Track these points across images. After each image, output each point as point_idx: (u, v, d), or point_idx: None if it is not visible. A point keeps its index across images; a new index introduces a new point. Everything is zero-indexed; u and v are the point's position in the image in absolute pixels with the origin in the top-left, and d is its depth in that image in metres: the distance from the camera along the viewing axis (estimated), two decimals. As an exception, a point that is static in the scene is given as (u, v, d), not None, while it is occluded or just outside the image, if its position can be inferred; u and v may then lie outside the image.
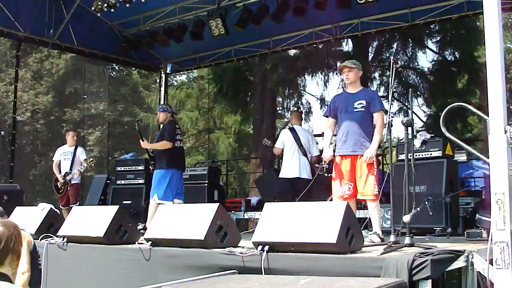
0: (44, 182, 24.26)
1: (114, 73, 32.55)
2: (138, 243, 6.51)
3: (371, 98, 7.06)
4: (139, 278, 5.88)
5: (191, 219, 6.05)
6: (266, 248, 5.13)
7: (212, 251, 5.63)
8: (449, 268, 4.73)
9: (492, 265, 4.13)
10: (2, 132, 14.28)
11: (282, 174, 10.21)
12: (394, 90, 18.38)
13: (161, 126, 10.15)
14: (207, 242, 5.71)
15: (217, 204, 6.04)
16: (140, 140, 9.83)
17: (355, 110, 7.04)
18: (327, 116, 7.49)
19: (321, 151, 10.98)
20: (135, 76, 31.57)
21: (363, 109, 7.00)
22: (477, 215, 7.97)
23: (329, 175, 10.76)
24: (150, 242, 6.19)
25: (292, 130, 10.24)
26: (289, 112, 18.77)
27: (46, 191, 21.17)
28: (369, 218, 8.06)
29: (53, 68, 28.62)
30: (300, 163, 10.08)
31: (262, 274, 5.00)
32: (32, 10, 12.83)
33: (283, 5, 11.66)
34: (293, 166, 10.11)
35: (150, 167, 10.07)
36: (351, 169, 6.93)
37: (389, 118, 6.43)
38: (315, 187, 10.94)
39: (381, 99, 7.18)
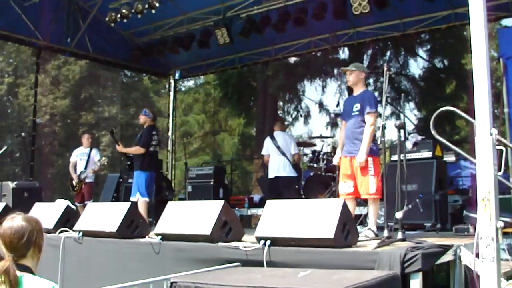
0: (61, 180, 24.24)
1: (126, 79, 32.55)
2: (149, 238, 6.51)
3: (363, 100, 6.94)
4: (149, 270, 5.87)
5: (198, 215, 6.05)
6: (268, 242, 5.13)
7: (218, 245, 5.63)
8: (438, 261, 4.72)
9: (478, 258, 4.12)
10: (23, 134, 14.20)
11: (268, 176, 10.75)
12: (387, 95, 18.37)
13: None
14: (213, 237, 5.71)
15: (222, 202, 6.04)
16: (116, 145, 10.26)
17: (352, 113, 7.00)
18: (342, 120, 7.44)
19: (318, 152, 11.09)
20: (146, 82, 31.56)
21: (358, 112, 6.93)
22: (464, 211, 7.97)
23: (327, 174, 10.83)
24: (159, 237, 6.19)
25: (272, 136, 10.81)
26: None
27: (63, 189, 21.14)
28: (364, 214, 8.11)
29: (69, 74, 28.61)
30: (279, 163, 10.54)
31: (264, 266, 5.01)
32: (51, 20, 12.86)
33: (284, 15, 11.69)
34: (272, 167, 10.65)
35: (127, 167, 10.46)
36: (350, 169, 6.91)
37: (382, 122, 6.42)
38: (309, 184, 11.05)
39: (375, 99, 7.02)
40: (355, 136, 6.87)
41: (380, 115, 6.73)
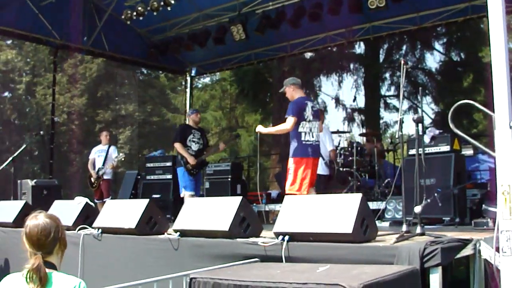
0: (80, 178, 24.38)
1: (142, 76, 32.65)
2: (167, 234, 6.52)
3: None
4: (168, 266, 5.87)
5: (216, 211, 6.05)
6: (287, 238, 5.12)
7: (236, 241, 5.63)
8: (457, 256, 4.69)
9: (498, 252, 4.09)
10: (41, 132, 14.33)
11: None
12: (404, 89, 18.26)
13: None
14: (231, 233, 5.70)
15: (240, 197, 6.03)
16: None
17: None
18: None
19: (336, 147, 11.02)
20: (162, 79, 31.63)
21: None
22: (483, 205, 7.89)
23: (344, 169, 10.79)
24: (178, 233, 6.20)
25: None
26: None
27: (82, 186, 21.27)
28: (382, 209, 8.16)
29: (86, 72, 28.73)
30: None
31: (283, 262, 5.00)
32: (67, 19, 12.94)
33: (299, 11, 11.67)
34: None
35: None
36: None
37: (400, 116, 6.39)
38: (331, 181, 10.99)
39: (292, 106, 7.81)
40: (288, 140, 7.68)
41: (288, 119, 7.56)
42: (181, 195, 9.66)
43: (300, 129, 7.61)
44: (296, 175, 7.49)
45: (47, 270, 3.06)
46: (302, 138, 7.61)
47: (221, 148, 10.78)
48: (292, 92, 8.05)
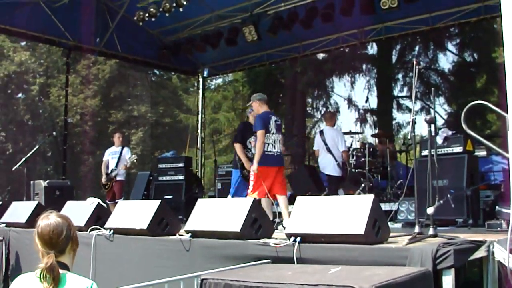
0: (93, 178, 24.47)
1: (155, 77, 32.72)
2: (179, 235, 6.51)
3: None
4: (179, 267, 5.86)
5: (228, 212, 6.03)
6: (298, 239, 5.09)
7: (248, 242, 5.60)
8: (471, 258, 4.65)
9: (512, 254, 4.05)
10: (54, 133, 14.41)
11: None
12: (417, 90, 18.19)
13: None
14: (243, 234, 5.68)
15: (252, 198, 6.03)
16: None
17: None
18: None
19: (348, 148, 11.03)
20: (175, 80, 31.68)
21: None
22: (497, 207, 7.83)
23: (356, 170, 10.77)
24: (190, 234, 6.18)
25: (321, 132, 10.89)
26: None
27: (95, 187, 21.35)
28: (395, 210, 8.14)
29: (99, 73, 28.82)
30: (325, 161, 10.68)
31: (294, 263, 4.98)
32: (80, 20, 12.99)
33: (312, 12, 11.65)
34: (320, 163, 10.92)
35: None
36: None
37: (412, 116, 6.36)
38: (343, 182, 10.99)
39: (259, 120, 8.32)
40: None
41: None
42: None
43: (265, 141, 8.28)
44: (256, 182, 8.20)
45: (61, 271, 3.06)
46: (266, 149, 8.27)
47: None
48: (258, 107, 8.68)
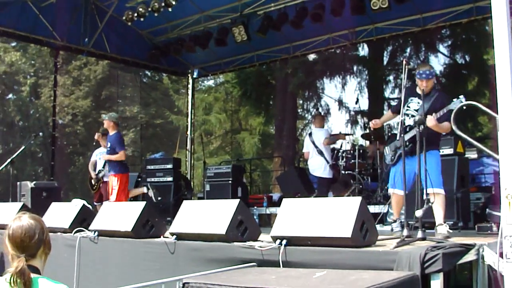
0: (83, 180, 24.34)
1: (146, 78, 32.63)
2: (164, 237, 6.42)
3: None
4: (164, 270, 5.81)
5: (213, 215, 5.96)
6: (284, 242, 5.04)
7: (233, 244, 5.53)
8: (460, 261, 4.57)
9: (502, 258, 3.96)
10: (41, 133, 14.29)
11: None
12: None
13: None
14: (228, 236, 5.61)
15: (237, 200, 5.94)
16: None
17: None
18: None
19: (338, 150, 10.99)
20: (166, 81, 31.58)
21: None
22: (487, 209, 7.79)
23: (346, 172, 10.69)
24: (174, 236, 6.12)
25: (310, 134, 10.96)
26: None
27: (85, 188, 21.22)
28: (384, 213, 8.04)
29: (91, 74, 28.73)
30: (316, 163, 10.69)
31: (280, 266, 4.89)
32: (68, 20, 12.89)
33: (302, 12, 11.60)
34: (310, 165, 10.91)
35: None
36: None
37: (401, 117, 6.29)
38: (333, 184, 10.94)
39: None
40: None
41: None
42: None
43: None
44: (120, 188, 9.92)
45: (32, 275, 2.93)
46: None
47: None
48: (113, 125, 10.24)
